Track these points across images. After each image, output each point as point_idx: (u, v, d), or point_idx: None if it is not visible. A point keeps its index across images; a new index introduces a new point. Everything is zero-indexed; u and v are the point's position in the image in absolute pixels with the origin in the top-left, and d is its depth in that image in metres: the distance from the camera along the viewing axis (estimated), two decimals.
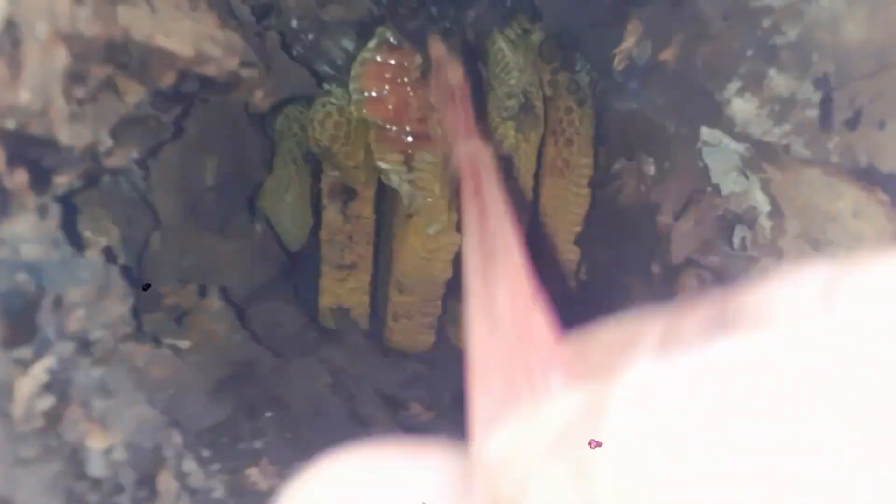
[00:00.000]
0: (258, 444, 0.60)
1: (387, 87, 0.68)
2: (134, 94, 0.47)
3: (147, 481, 0.48)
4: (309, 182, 0.85)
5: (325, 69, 0.73)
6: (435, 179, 0.71)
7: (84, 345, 0.51)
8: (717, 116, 0.54)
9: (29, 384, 0.42)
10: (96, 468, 0.46)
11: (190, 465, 0.52)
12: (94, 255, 0.52)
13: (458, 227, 0.76)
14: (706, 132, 0.55)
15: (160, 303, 0.64)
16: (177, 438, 0.51)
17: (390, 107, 0.69)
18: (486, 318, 0.15)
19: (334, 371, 0.73)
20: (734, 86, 0.53)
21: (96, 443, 0.47)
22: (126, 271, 0.54)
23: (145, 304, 0.61)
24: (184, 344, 0.61)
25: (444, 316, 0.83)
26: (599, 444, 0.11)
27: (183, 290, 0.66)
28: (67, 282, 0.49)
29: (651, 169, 0.60)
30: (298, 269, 0.83)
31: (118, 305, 0.54)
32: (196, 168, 0.73)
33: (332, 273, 0.83)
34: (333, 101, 0.74)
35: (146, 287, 0.62)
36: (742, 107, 0.52)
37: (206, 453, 0.56)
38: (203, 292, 0.67)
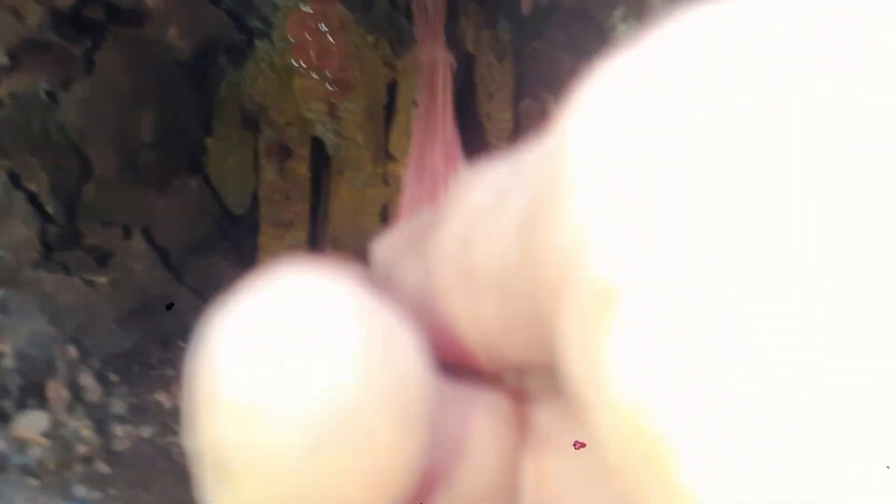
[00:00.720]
0: (170, 372, 0.62)
1: (308, 34, 0.70)
2: (32, 13, 0.49)
3: (35, 389, 0.49)
4: (251, 145, 0.86)
5: (257, 24, 0.75)
6: (358, 129, 0.72)
7: None
8: (605, 44, 0.55)
9: None
10: None
11: (87, 380, 0.53)
12: None
13: (386, 181, 0.78)
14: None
15: (80, 241, 0.65)
16: (72, 353, 0.52)
17: (313, 53, 0.71)
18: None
19: None
20: (619, 13, 0.54)
21: None
22: (32, 198, 0.56)
23: (62, 241, 0.63)
24: (100, 279, 0.63)
25: None
26: (583, 445, 0.11)
27: (106, 231, 0.67)
28: None
29: (554, 107, 0.61)
30: (239, 227, 0.85)
31: (21, 228, 0.55)
32: (132, 123, 0.75)
33: (271, 231, 0.84)
34: (265, 56, 0.76)
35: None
36: (626, 32, 0.54)
37: (113, 377, 0.57)
38: (127, 234, 0.68)
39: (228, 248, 0.84)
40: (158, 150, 0.78)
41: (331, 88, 0.72)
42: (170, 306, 0.63)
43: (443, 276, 0.12)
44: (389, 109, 0.75)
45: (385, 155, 0.76)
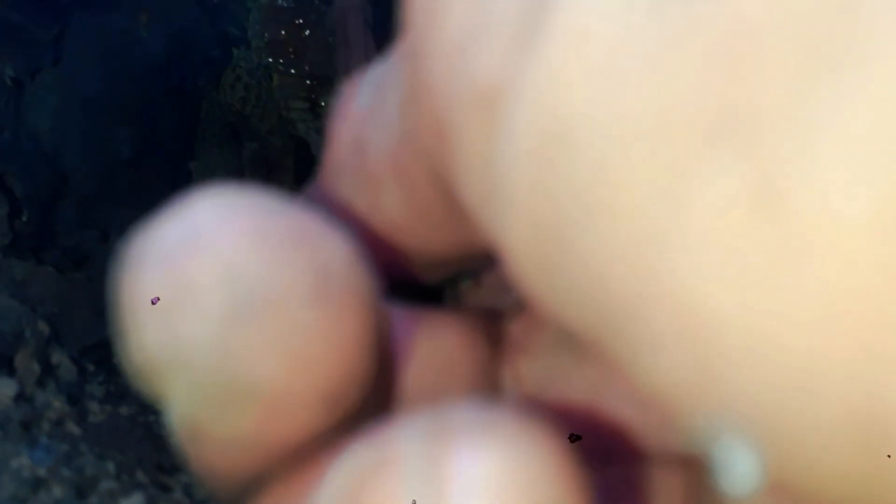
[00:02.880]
0: None
1: (283, 30, 0.69)
2: None
3: (3, 359, 0.46)
4: (236, 161, 0.85)
5: (232, 30, 0.75)
6: None
7: None
8: None
9: None
10: None
11: (61, 359, 0.50)
12: None
13: None
14: None
15: (55, 241, 0.63)
16: (44, 329, 0.49)
17: (290, 49, 0.70)
18: None
19: None
20: None
21: None
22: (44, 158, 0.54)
23: (34, 237, 0.60)
24: (76, 274, 0.60)
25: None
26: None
27: (83, 233, 0.65)
28: None
29: None
30: None
31: None
32: (108, 138, 0.74)
33: None
34: (242, 63, 0.76)
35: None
36: None
37: (90, 367, 0.54)
38: (105, 238, 0.66)
39: None
40: (139, 168, 0.76)
41: (310, 84, 0.71)
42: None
43: (345, 187, 0.13)
44: None
45: None
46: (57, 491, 0.36)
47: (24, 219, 0.61)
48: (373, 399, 0.11)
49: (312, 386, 0.10)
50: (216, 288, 0.10)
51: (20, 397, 0.44)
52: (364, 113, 0.13)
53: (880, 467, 0.07)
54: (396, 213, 0.13)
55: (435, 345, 0.14)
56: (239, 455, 0.11)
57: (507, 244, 0.09)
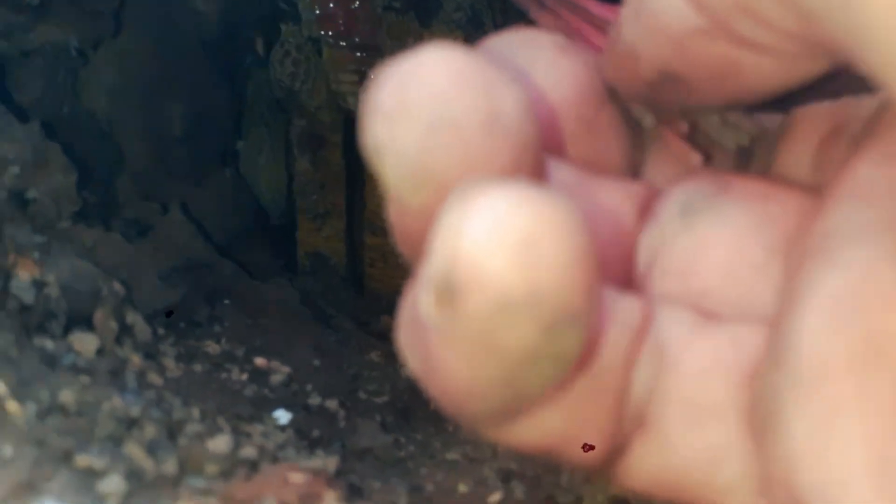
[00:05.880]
0: (218, 328, 0.59)
1: (332, 2, 0.70)
2: None
3: (82, 318, 0.47)
4: (282, 143, 0.86)
5: (282, 5, 0.76)
6: None
7: (22, 203, 0.51)
8: None
9: None
10: (27, 296, 0.45)
11: (135, 319, 0.51)
12: (32, 126, 0.53)
13: None
14: None
15: (119, 212, 0.64)
16: (119, 289, 0.50)
17: (340, 21, 0.71)
18: None
19: (305, 293, 0.72)
20: None
21: (26, 274, 0.47)
22: (67, 149, 0.55)
23: (100, 207, 0.62)
24: (142, 241, 0.61)
25: None
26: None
27: (144, 204, 0.66)
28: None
29: None
30: (275, 223, 0.84)
31: (59, 177, 0.54)
32: (161, 114, 0.75)
33: (308, 224, 0.83)
34: (291, 39, 0.77)
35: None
36: None
37: (160, 331, 0.55)
38: (165, 210, 0.67)
39: (265, 244, 0.83)
40: (190, 146, 0.78)
41: (360, 56, 0.71)
42: (209, 267, 0.62)
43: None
44: None
45: None
46: (149, 431, 0.37)
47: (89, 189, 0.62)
48: None
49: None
50: (422, 106, 0.14)
51: (102, 351, 0.45)
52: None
53: None
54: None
55: (589, 196, 0.17)
56: (425, 225, 0.15)
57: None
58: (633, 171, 0.19)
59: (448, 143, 0.14)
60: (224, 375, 0.51)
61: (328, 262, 0.83)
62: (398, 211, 0.16)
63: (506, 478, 0.45)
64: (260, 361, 0.56)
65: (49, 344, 0.41)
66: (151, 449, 0.36)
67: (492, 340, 0.14)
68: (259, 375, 0.54)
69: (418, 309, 0.15)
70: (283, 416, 0.49)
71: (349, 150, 0.81)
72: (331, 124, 0.79)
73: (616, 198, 0.18)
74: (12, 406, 0.35)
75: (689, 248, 0.18)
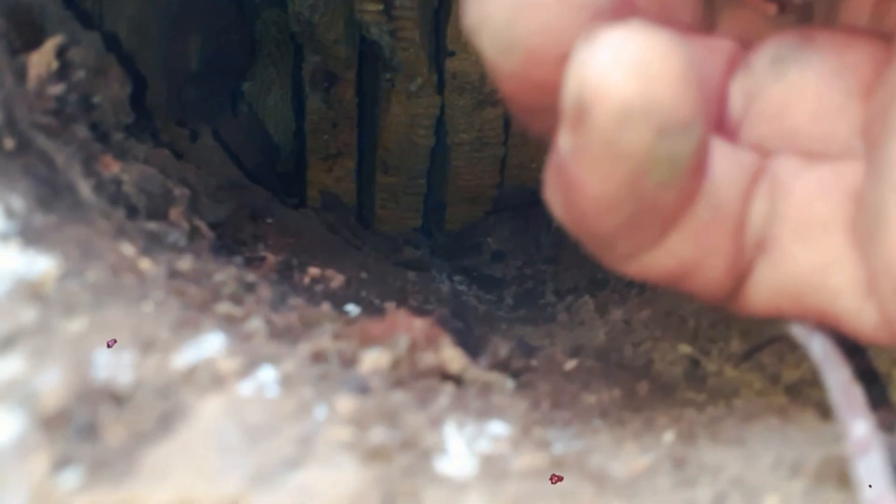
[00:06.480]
0: (262, 250, 0.60)
1: None
2: None
3: (160, 213, 0.48)
4: (290, 83, 0.87)
5: None
6: (415, 27, 0.74)
7: (88, 107, 0.52)
8: None
9: (42, 64, 0.43)
10: (111, 188, 0.46)
11: (200, 224, 0.52)
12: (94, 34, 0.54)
13: (439, 90, 0.79)
14: None
15: (156, 136, 0.65)
16: (186, 191, 0.52)
17: None
18: None
19: (330, 227, 0.74)
20: None
21: (106, 170, 0.47)
22: (125, 61, 0.55)
23: (144, 128, 0.62)
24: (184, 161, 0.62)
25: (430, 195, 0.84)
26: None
27: (176, 130, 0.67)
28: (67, 33, 0.50)
29: None
30: (285, 162, 0.85)
31: (117, 88, 0.55)
32: (177, 49, 0.75)
33: (318, 164, 0.84)
34: None
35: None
36: None
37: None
38: (194, 137, 0.68)
39: (276, 185, 0.84)
40: (204, 82, 0.78)
41: None
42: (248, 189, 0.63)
43: None
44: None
45: (443, 53, 0.77)
46: (265, 293, 0.39)
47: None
48: None
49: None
50: None
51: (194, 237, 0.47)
52: None
53: None
54: None
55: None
56: (521, 87, 0.19)
57: None
58: (706, 28, 0.23)
59: (530, 16, 0.18)
60: (287, 278, 0.53)
61: (339, 202, 0.84)
62: (498, 78, 0.20)
63: (575, 352, 0.47)
64: (314, 271, 0.57)
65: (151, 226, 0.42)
66: (274, 306, 0.38)
67: (616, 149, 0.17)
68: (316, 282, 0.56)
69: (558, 149, 0.19)
70: (353, 309, 0.50)
71: (363, 87, 0.83)
72: (346, 60, 0.80)
73: (704, 51, 0.22)
74: (145, 263, 0.36)
75: (781, 93, 0.21)
